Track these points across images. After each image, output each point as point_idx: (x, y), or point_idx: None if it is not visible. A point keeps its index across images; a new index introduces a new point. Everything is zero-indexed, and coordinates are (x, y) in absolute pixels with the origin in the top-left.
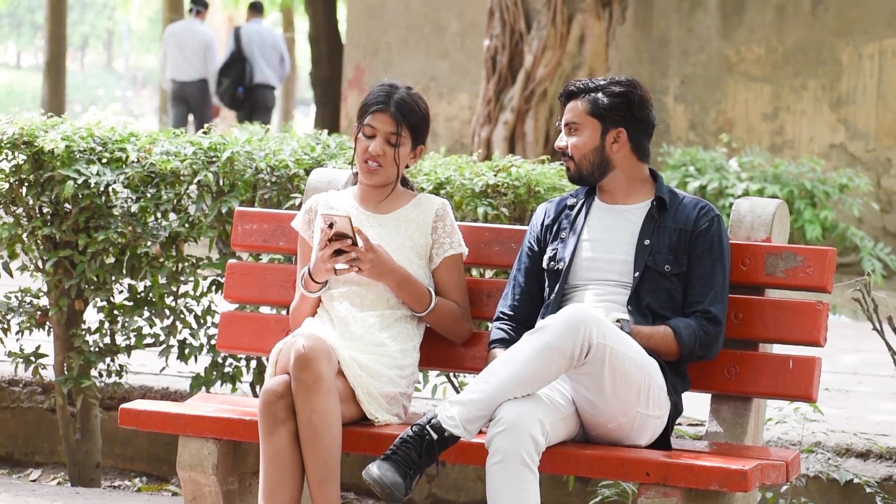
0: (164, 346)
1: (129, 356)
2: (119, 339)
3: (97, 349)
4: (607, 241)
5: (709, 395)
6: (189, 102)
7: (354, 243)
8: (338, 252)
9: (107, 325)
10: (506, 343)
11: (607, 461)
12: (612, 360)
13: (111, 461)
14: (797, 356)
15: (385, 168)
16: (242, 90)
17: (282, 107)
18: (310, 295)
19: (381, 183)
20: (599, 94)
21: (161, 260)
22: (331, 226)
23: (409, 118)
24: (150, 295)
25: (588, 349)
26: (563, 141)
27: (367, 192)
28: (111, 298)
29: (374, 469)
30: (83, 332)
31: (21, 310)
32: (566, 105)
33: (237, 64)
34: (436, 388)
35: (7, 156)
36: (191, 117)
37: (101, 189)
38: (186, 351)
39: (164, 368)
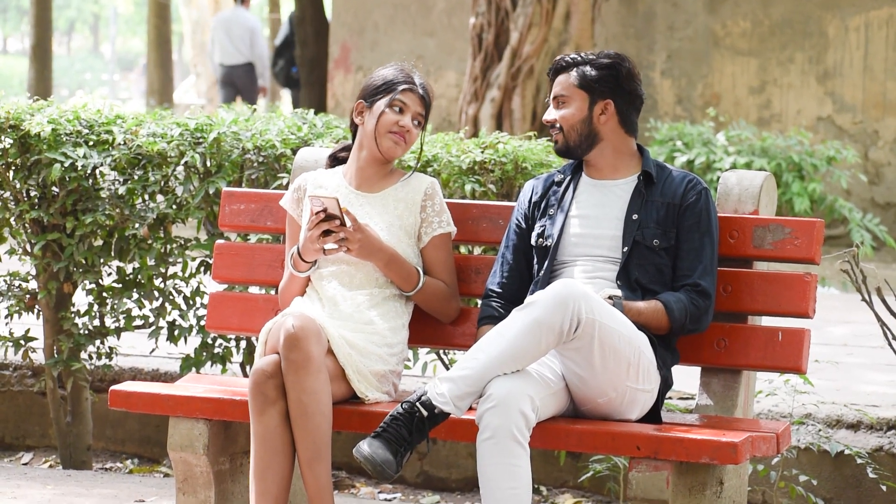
0: (153, 327)
1: (118, 338)
2: (108, 322)
3: (86, 332)
4: (595, 216)
5: (698, 369)
6: (236, 85)
7: (343, 223)
8: (326, 232)
9: (96, 307)
10: (495, 320)
11: (598, 436)
12: (601, 335)
13: (102, 443)
14: (786, 328)
15: (406, 145)
16: (296, 70)
17: (269, 87)
18: (299, 275)
19: (397, 157)
20: (588, 67)
21: (149, 242)
22: (318, 205)
23: (430, 103)
24: (139, 277)
25: (577, 324)
26: (551, 114)
27: (357, 170)
28: (100, 281)
29: (365, 447)
30: (72, 315)
31: (10, 293)
32: (554, 80)
33: (291, 46)
34: (426, 365)
35: None
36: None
37: (88, 172)
38: (176, 332)
39: (153, 350)
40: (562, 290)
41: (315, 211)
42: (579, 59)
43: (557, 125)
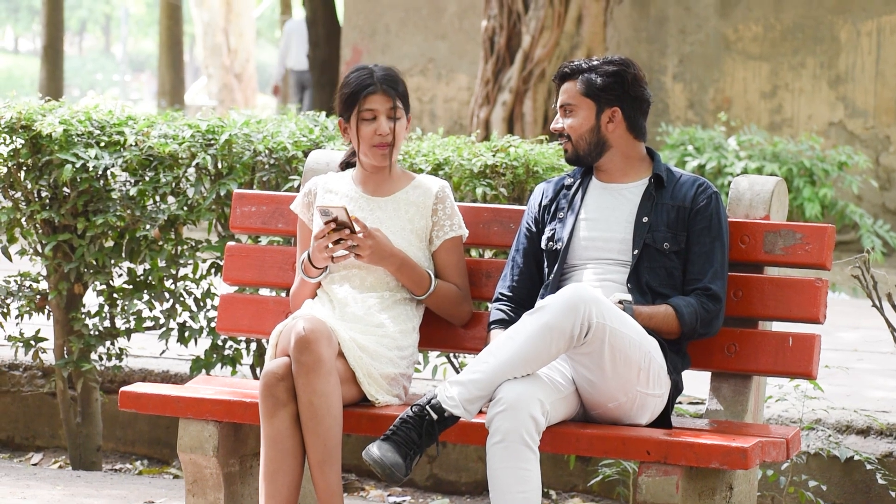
0: (163, 329)
1: (128, 339)
2: (119, 323)
3: (97, 333)
4: (605, 219)
5: (709, 374)
6: (306, 88)
7: (353, 231)
8: (338, 241)
9: (106, 308)
10: (505, 323)
11: (608, 440)
12: (611, 340)
13: (112, 444)
14: (797, 333)
15: (395, 147)
16: None
17: (281, 90)
18: (310, 280)
19: (391, 162)
20: (593, 75)
21: (160, 243)
22: (326, 215)
23: (398, 89)
24: (150, 278)
25: (588, 329)
26: (559, 123)
27: (367, 174)
28: (110, 282)
29: (375, 449)
30: (83, 316)
31: (20, 294)
32: (560, 87)
33: None
34: (436, 368)
35: (5, 140)
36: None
37: (100, 173)
38: (186, 334)
39: (164, 351)
40: (573, 294)
41: (325, 222)
42: (584, 66)
43: (566, 134)
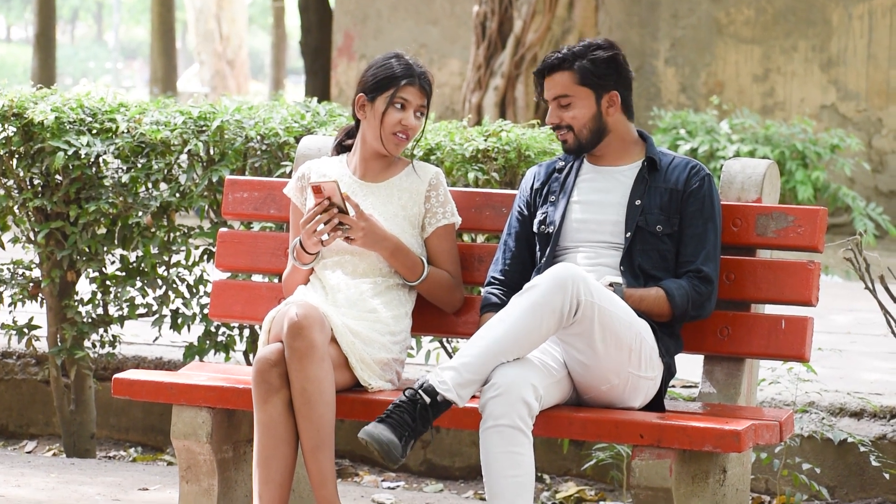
0: (156, 315)
1: (122, 326)
2: (112, 310)
3: (90, 320)
4: (598, 202)
5: (701, 357)
6: None
7: (342, 210)
8: (328, 222)
9: (99, 295)
10: (497, 307)
11: (601, 424)
12: (601, 319)
13: (106, 432)
14: (789, 316)
15: (409, 139)
16: None
17: (272, 76)
18: (302, 267)
19: (401, 152)
20: (585, 62)
21: (152, 230)
22: (318, 191)
23: (431, 91)
24: (143, 265)
25: (577, 307)
26: (555, 116)
27: (363, 159)
28: (103, 269)
29: (371, 428)
30: (76, 303)
31: (13, 282)
32: (548, 78)
33: None
34: (429, 353)
35: None
36: None
37: (92, 160)
38: (179, 320)
39: (157, 338)
40: (561, 272)
41: (317, 201)
42: (570, 54)
43: (565, 126)
